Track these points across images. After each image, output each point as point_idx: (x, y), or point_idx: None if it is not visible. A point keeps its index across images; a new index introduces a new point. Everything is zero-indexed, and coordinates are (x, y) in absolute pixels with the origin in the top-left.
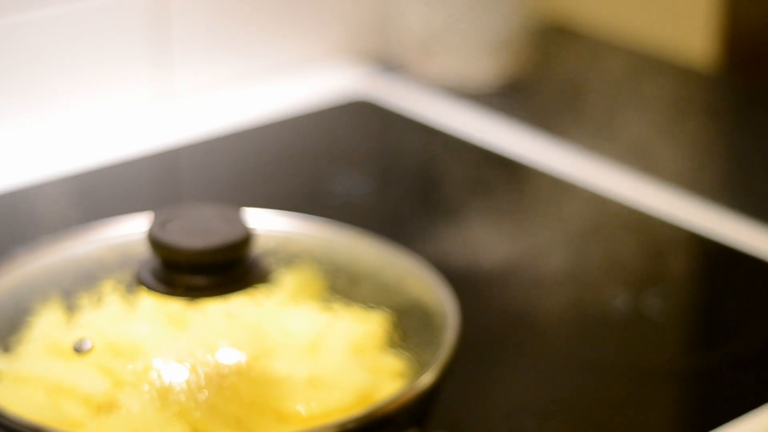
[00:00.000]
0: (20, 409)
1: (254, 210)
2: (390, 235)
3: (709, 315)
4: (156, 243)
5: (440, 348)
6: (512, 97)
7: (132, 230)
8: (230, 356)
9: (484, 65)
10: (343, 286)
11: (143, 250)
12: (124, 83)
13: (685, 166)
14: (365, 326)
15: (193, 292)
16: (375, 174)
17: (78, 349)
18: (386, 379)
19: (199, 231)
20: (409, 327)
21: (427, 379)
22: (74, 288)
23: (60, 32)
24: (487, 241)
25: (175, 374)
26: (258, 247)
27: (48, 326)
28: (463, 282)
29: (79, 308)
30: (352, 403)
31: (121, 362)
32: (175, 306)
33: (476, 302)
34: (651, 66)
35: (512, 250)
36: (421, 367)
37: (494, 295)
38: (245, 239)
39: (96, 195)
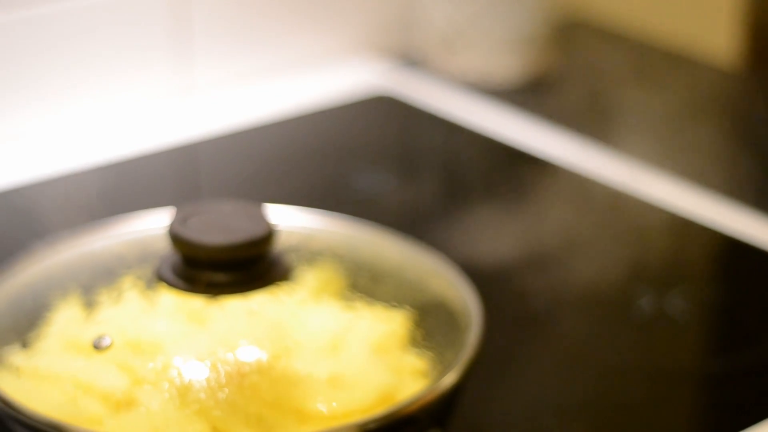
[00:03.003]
0: (39, 405)
1: (276, 206)
2: (412, 232)
3: (733, 317)
4: (177, 239)
5: (463, 347)
6: (535, 94)
7: (152, 225)
8: (251, 354)
9: (507, 61)
10: (366, 284)
11: (164, 246)
12: (145, 77)
13: (710, 165)
14: (387, 325)
15: (214, 289)
16: (397, 170)
17: (97, 346)
18: (408, 378)
19: (220, 227)
20: (431, 326)
21: (449, 379)
22: (93, 283)
23: (81, 25)
24: (510, 239)
25: (195, 372)
26: (280, 243)
27: (67, 322)
28: (486, 281)
29: (99, 304)
30: (373, 403)
31: (141, 359)
32: (195, 303)
33: (499, 301)
34: (675, 62)
35: (535, 249)
36: (443, 367)
37: (517, 294)
38: (267, 236)
39: (116, 189)
